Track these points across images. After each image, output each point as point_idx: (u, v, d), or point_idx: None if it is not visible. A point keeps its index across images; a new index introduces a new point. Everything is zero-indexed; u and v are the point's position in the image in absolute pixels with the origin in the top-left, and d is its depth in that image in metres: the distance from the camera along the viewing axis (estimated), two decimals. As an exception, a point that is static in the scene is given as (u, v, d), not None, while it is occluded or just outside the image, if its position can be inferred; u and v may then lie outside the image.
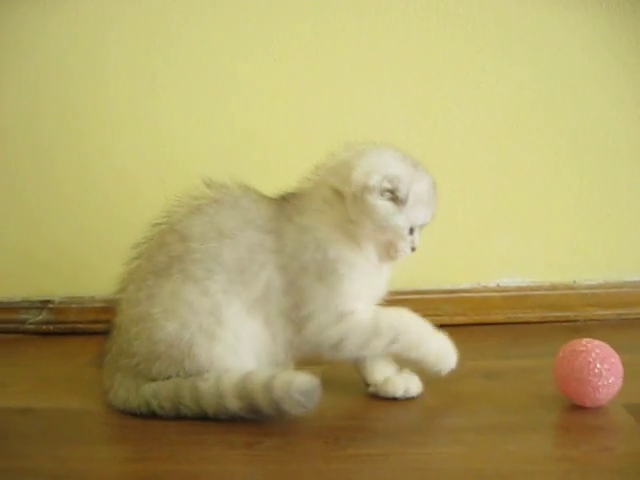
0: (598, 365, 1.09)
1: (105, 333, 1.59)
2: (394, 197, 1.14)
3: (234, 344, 1.14)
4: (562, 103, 1.62)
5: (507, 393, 1.22)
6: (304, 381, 1.07)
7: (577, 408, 1.13)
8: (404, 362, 1.21)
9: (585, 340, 1.13)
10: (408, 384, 1.20)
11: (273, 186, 1.23)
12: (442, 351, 1.19)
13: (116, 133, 1.75)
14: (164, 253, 1.17)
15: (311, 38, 1.66)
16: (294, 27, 1.66)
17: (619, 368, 1.10)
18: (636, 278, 1.66)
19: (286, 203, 1.20)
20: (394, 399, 1.19)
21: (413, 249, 1.19)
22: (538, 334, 1.54)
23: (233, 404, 1.10)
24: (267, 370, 1.12)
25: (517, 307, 1.64)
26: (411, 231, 1.17)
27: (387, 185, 1.12)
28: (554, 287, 1.66)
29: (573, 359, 1.11)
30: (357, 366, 1.23)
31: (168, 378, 1.15)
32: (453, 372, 1.23)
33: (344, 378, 1.26)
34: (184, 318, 1.13)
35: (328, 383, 1.11)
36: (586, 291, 1.65)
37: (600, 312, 1.63)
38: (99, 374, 1.30)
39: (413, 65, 1.65)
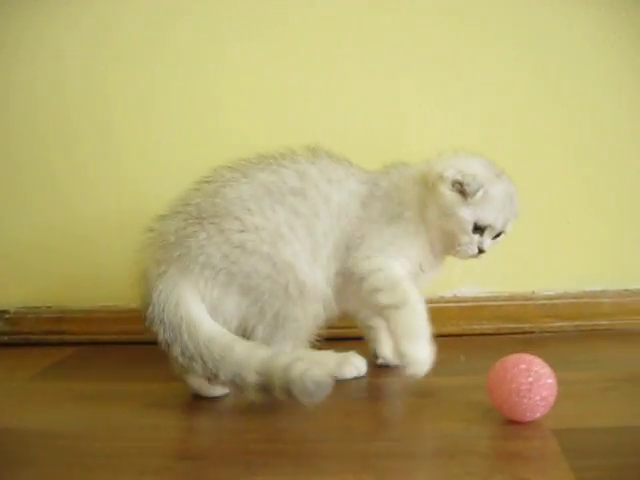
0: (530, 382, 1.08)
1: (59, 344, 1.61)
2: (462, 190, 1.23)
3: (322, 278, 1.27)
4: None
5: (435, 414, 1.18)
6: (319, 373, 1.09)
7: (501, 432, 1.10)
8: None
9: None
10: None
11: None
12: (417, 356, 1.21)
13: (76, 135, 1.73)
14: (281, 180, 1.27)
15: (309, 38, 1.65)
16: (293, 26, 1.65)
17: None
18: (595, 288, 1.61)
19: (382, 170, 1.36)
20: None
21: (481, 250, 1.27)
22: (489, 347, 1.51)
23: (251, 377, 1.13)
24: (294, 353, 1.17)
25: (473, 318, 1.60)
26: (480, 232, 1.26)
27: (458, 178, 1.23)
28: (512, 297, 1.62)
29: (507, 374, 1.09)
30: (370, 338, 1.41)
31: (268, 304, 1.22)
32: (387, 389, 1.29)
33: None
34: (295, 249, 1.24)
35: (258, 405, 1.13)
36: (544, 302, 1.61)
37: (557, 324, 1.59)
38: (42, 389, 1.36)
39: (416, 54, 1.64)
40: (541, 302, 1.60)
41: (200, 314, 1.21)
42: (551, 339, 1.55)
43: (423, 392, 1.28)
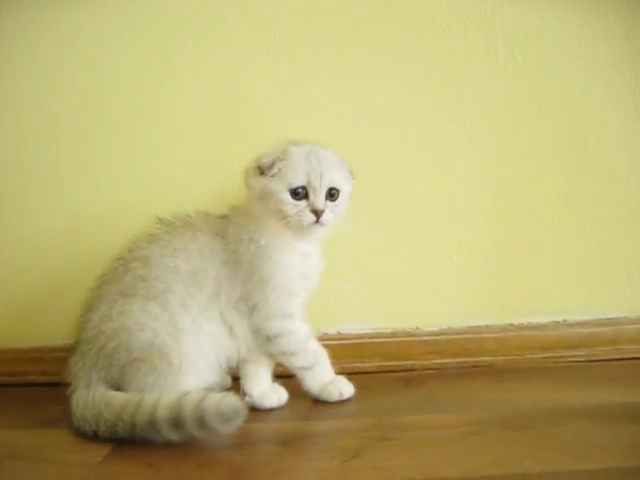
0: None
1: None
2: (260, 171, 1.33)
3: (195, 344, 1.31)
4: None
5: (293, 465, 1.16)
6: (234, 399, 1.19)
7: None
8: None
9: None
10: (280, 395, 1.40)
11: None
12: (342, 394, 1.39)
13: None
14: (130, 276, 1.34)
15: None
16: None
17: None
18: (480, 323, 1.59)
19: (230, 211, 1.41)
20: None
21: (316, 212, 1.32)
22: (367, 386, 1.47)
23: (161, 413, 1.19)
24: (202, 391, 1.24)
25: (355, 356, 1.57)
26: (305, 196, 1.33)
27: (255, 164, 1.34)
28: (394, 334, 1.60)
29: None
30: (240, 375, 1.42)
31: (142, 382, 1.28)
32: (251, 437, 1.26)
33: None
34: (153, 328, 1.29)
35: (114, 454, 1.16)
36: (427, 338, 1.59)
37: (439, 360, 1.58)
38: None
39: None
40: (424, 338, 1.59)
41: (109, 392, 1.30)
42: (431, 377, 1.54)
43: (286, 440, 1.26)
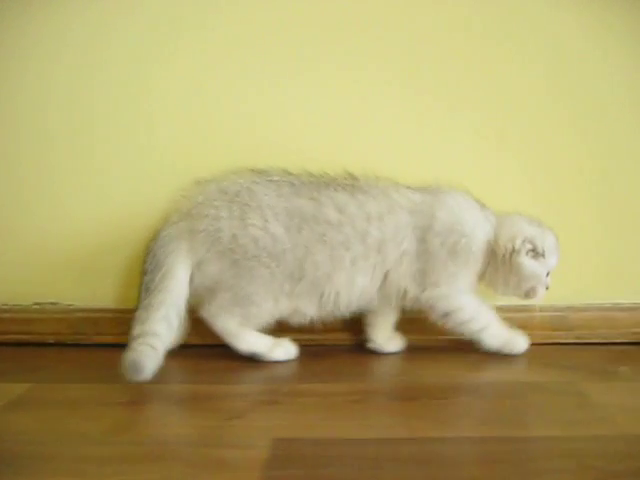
0: None
1: None
2: (535, 254, 1.43)
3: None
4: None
5: (177, 420, 1.23)
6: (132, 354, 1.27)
7: (225, 440, 1.11)
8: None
9: None
10: (398, 342, 1.53)
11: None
12: (520, 349, 1.49)
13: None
14: (316, 213, 1.39)
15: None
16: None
17: None
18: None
19: (432, 196, 1.45)
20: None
21: (547, 288, 1.47)
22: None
23: None
24: None
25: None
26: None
27: (529, 246, 1.44)
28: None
29: None
30: (366, 322, 1.52)
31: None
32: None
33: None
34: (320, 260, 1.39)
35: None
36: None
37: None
38: None
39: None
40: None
41: (180, 269, 1.38)
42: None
43: (182, 398, 1.32)
